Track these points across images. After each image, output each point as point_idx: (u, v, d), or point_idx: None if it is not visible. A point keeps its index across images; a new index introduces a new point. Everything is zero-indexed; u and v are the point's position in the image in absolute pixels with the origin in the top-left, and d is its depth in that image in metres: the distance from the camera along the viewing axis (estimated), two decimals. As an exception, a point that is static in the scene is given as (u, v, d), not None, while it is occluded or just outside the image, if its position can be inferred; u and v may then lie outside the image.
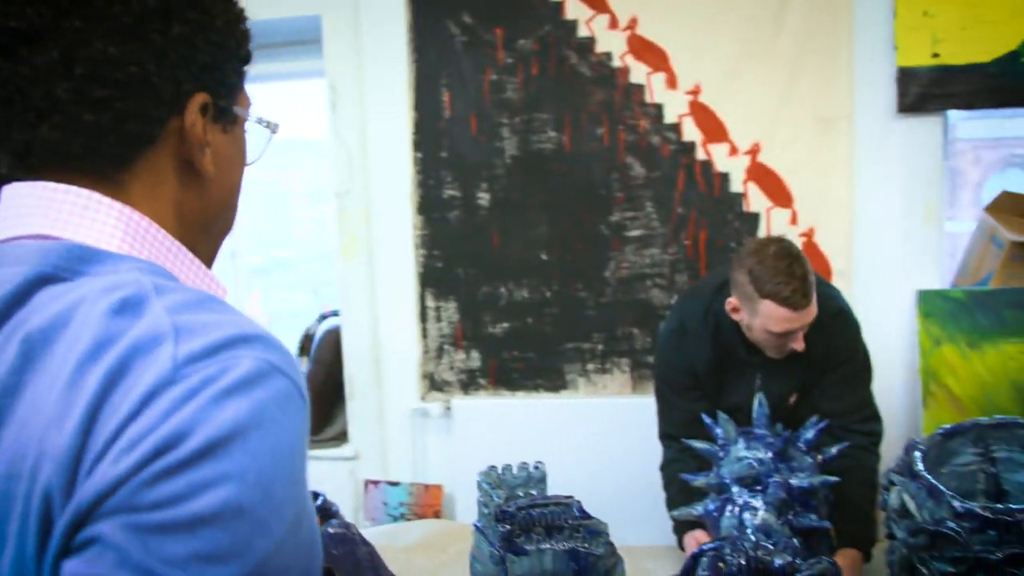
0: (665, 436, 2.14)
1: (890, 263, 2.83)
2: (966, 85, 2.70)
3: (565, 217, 2.94)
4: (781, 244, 1.89)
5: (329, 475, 3.10)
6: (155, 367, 0.53)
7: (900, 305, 2.82)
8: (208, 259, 0.75)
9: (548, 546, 1.25)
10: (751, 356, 1.99)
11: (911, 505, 1.27)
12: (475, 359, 3.05)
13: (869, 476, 2.01)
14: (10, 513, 0.52)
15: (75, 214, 0.62)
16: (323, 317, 3.43)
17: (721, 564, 1.29)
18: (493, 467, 1.36)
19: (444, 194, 3.00)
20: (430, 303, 3.05)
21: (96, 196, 0.63)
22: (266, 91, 3.61)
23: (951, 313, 2.72)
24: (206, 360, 0.54)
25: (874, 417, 2.08)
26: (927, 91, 2.72)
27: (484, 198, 2.98)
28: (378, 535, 2.08)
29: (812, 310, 1.83)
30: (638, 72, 2.85)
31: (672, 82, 2.84)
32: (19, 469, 0.52)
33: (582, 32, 2.86)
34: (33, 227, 0.62)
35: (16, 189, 0.64)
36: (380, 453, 3.17)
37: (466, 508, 2.94)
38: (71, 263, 0.59)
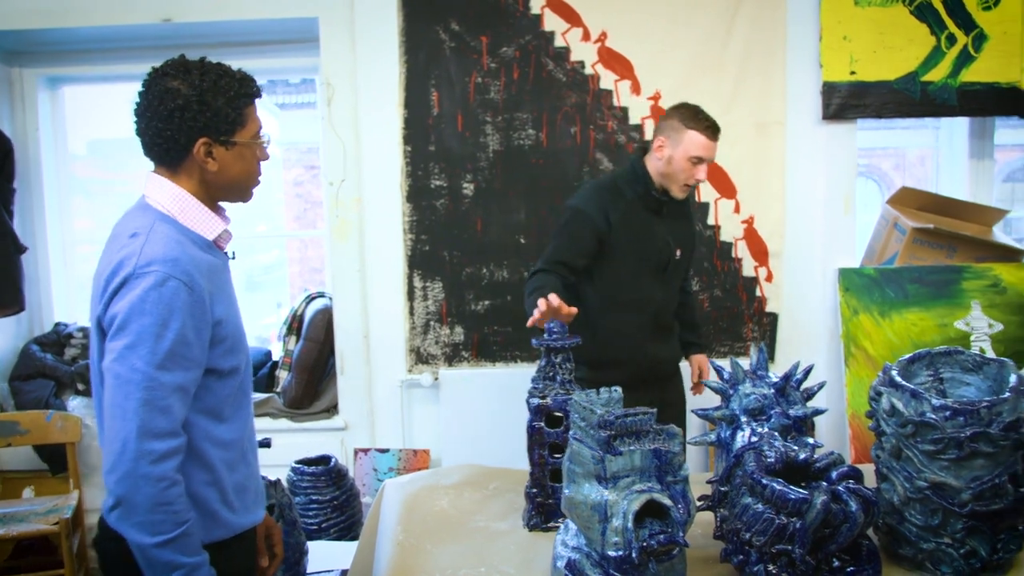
0: (554, 263, 2.38)
1: (815, 246, 3.35)
2: (876, 98, 3.26)
3: (541, 205, 3.29)
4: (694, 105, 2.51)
5: (321, 445, 3.30)
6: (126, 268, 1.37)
7: (824, 280, 3.34)
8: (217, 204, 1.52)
9: (636, 447, 1.56)
10: (658, 209, 2.49)
11: (899, 405, 1.69)
12: (459, 334, 3.35)
13: (699, 310, 2.84)
14: (95, 306, 1.41)
15: (156, 186, 1.46)
16: (310, 298, 3.62)
17: (761, 457, 1.66)
18: (581, 392, 1.66)
19: (432, 184, 3.29)
20: (417, 283, 3.33)
21: (162, 178, 1.47)
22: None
23: (866, 287, 3.26)
24: (144, 268, 1.34)
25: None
26: (846, 102, 3.26)
27: (468, 188, 3.29)
28: (422, 478, 2.32)
29: (716, 148, 2.45)
30: (607, 79, 3.26)
31: (636, 89, 3.26)
32: (99, 283, 1.39)
33: (558, 43, 3.24)
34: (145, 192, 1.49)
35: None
36: (368, 423, 3.39)
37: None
38: (139, 210, 1.46)
